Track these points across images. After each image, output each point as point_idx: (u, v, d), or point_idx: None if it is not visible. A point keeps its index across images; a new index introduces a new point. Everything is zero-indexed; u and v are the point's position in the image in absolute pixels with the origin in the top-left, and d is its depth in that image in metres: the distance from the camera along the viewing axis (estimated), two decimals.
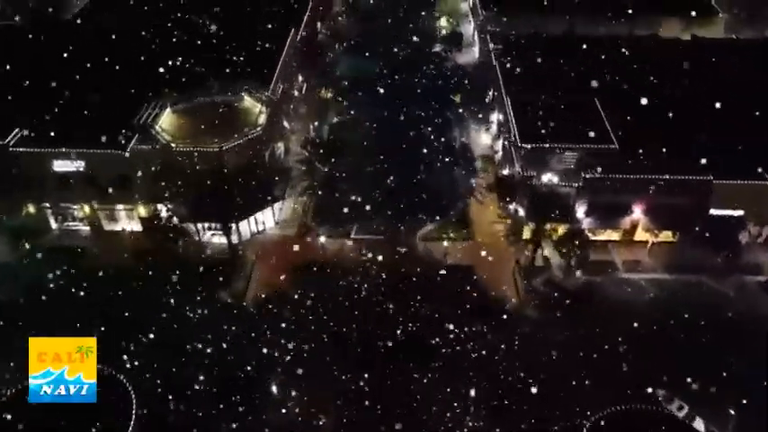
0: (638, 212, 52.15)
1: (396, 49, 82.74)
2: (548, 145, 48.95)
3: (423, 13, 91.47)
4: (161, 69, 57.75)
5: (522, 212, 52.94)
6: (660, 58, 63.99)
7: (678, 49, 66.93)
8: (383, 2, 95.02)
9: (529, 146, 49.07)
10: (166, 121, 52.84)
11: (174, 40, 63.61)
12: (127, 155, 50.10)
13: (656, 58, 64.08)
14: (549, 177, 50.59)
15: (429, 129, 67.98)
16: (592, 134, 48.93)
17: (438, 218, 56.52)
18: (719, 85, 58.49)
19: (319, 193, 57.63)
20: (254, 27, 67.21)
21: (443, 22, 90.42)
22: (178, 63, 58.63)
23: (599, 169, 49.50)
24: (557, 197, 51.07)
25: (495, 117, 65.47)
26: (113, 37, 64.02)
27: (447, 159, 63.23)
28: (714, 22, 76.28)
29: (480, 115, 70.05)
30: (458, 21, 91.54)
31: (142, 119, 51.06)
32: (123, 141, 50.46)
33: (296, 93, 70.83)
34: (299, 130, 67.88)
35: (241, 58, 61.09)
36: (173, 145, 49.27)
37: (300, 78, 73.07)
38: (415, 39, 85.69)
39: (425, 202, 56.63)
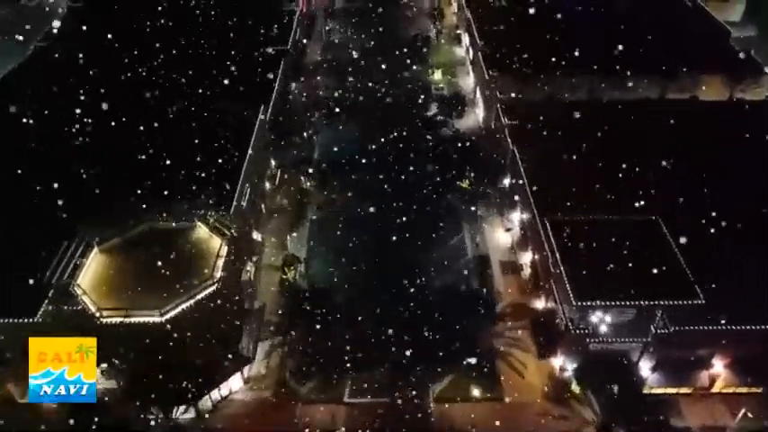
0: (719, 367, 40.25)
1: (385, 114, 70.29)
2: (612, 303, 36.45)
3: (414, 67, 78.88)
4: (85, 185, 43.96)
5: (569, 370, 40.55)
6: (717, 136, 52.03)
7: (737, 121, 55.06)
8: (365, 51, 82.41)
9: (586, 303, 36.53)
10: (92, 267, 39.19)
11: (103, 140, 49.03)
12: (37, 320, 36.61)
13: (712, 135, 52.16)
14: (606, 332, 38.23)
15: (433, 227, 55.50)
16: (667, 281, 36.53)
17: (455, 367, 43.87)
18: None
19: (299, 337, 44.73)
20: (210, 113, 53.67)
21: (438, 75, 77.97)
22: (109, 174, 44.95)
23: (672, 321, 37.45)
24: (616, 355, 38.87)
25: (518, 217, 52.93)
26: (18, 136, 49.38)
27: (459, 272, 50.91)
28: (760, 82, 64.83)
29: (495, 204, 57.72)
30: (455, 74, 79.08)
31: (57, 272, 37.43)
32: (32, 302, 36.89)
33: (267, 186, 57.59)
34: (275, 233, 54.82)
35: (195, 161, 47.55)
36: (96, 316, 35.60)
37: (273, 164, 59.90)
38: (407, 99, 73.20)
39: (437, 343, 43.97)
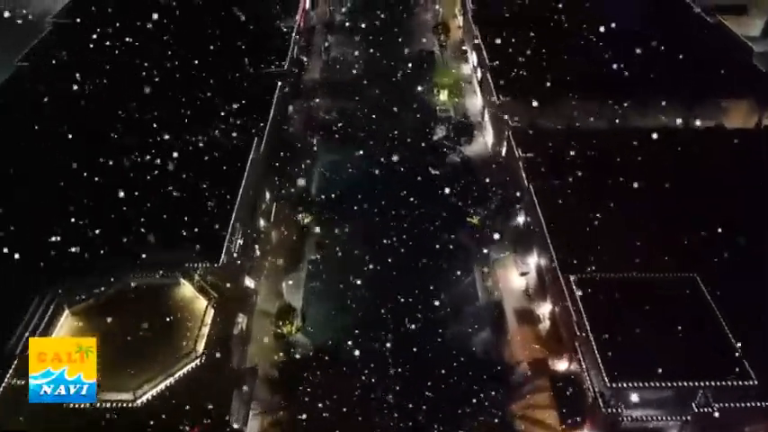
0: None
1: (388, 139, 66.08)
2: (651, 384, 32.11)
3: (418, 87, 74.62)
4: (52, 233, 39.32)
5: None
6: (757, 173, 46.97)
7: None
8: (367, 70, 78.10)
9: (621, 385, 32.20)
10: (61, 336, 34.83)
11: (73, 178, 44.20)
12: None
13: (750, 172, 47.19)
14: (641, 409, 33.90)
15: (441, 269, 51.18)
16: (712, 356, 32.23)
17: None
18: None
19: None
20: (198, 146, 49.34)
21: (444, 96, 73.59)
22: (80, 220, 40.54)
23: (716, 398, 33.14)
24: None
25: (534, 261, 48.55)
26: None
27: (471, 322, 46.78)
28: None
29: (508, 244, 53.23)
30: (461, 94, 74.62)
31: (21, 342, 33.08)
32: None
33: (262, 222, 53.24)
34: (270, 276, 50.44)
35: (180, 202, 43.28)
36: None
37: (268, 197, 55.57)
38: (411, 122, 68.98)
39: (447, 412, 39.61)
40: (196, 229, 40.93)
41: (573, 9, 72.26)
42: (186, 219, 41.63)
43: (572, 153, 51.12)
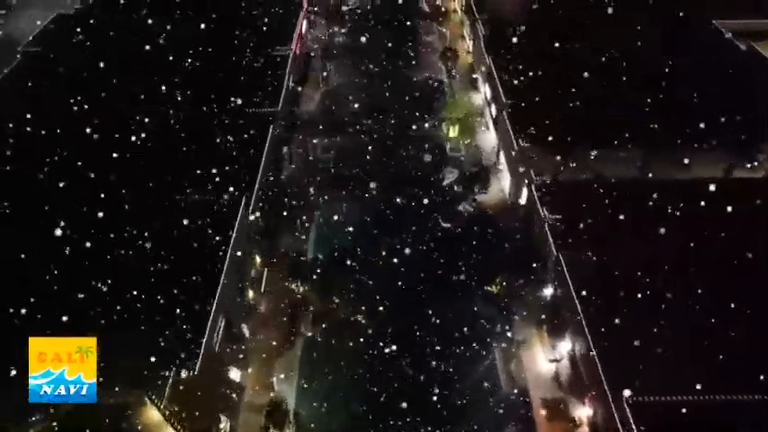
0: None
1: (392, 186, 59.10)
2: None
3: (425, 124, 67.65)
4: None
5: None
6: None
7: None
8: (369, 102, 71.01)
9: None
10: None
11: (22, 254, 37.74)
12: None
13: None
14: None
15: (456, 350, 44.40)
16: None
17: None
18: None
19: None
20: (175, 210, 42.66)
21: (454, 132, 66.74)
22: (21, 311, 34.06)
23: None
24: None
25: (567, 348, 41.72)
26: None
27: (490, 419, 39.94)
28: None
29: (532, 319, 46.35)
30: (473, 129, 67.76)
31: None
32: None
33: (251, 294, 46.46)
34: (259, 360, 43.46)
35: (148, 287, 36.53)
36: None
37: (258, 261, 48.80)
38: (417, 163, 61.95)
39: None
40: (166, 326, 34.11)
41: (598, 37, 65.75)
42: (152, 310, 34.85)
43: (610, 213, 44.56)
